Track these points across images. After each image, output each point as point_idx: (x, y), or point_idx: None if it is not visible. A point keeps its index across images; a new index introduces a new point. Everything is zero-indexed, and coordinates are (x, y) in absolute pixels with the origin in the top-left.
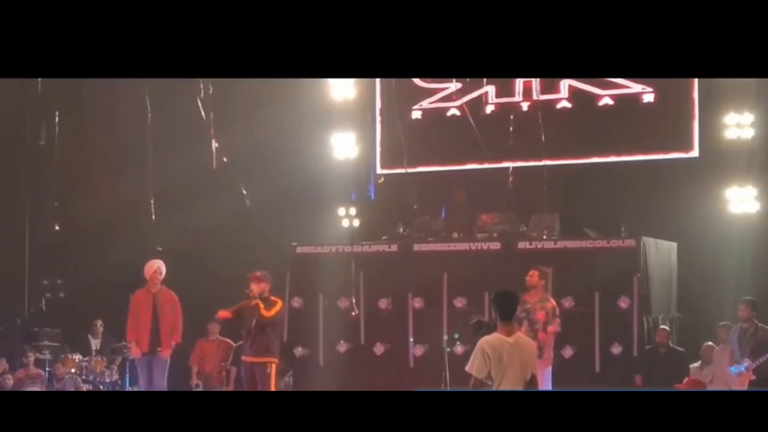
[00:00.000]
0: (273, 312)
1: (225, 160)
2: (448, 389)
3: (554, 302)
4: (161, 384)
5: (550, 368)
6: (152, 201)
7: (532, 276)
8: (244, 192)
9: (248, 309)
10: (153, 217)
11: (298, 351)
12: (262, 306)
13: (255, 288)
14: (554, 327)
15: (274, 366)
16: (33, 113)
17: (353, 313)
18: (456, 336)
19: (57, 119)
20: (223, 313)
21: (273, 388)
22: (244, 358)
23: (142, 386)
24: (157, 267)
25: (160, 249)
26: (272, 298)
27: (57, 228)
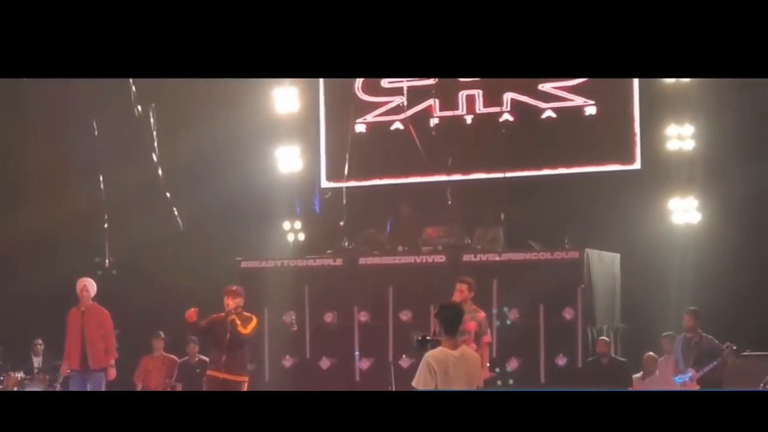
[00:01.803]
0: (250, 329)
1: (161, 174)
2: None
3: (484, 313)
4: None
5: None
6: (104, 214)
7: (462, 291)
8: (176, 213)
9: (220, 323)
10: (102, 227)
11: None
12: (239, 323)
13: (231, 303)
14: (488, 337)
15: (246, 385)
16: None
17: (293, 329)
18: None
19: None
20: (191, 314)
21: None
22: (213, 373)
23: None
24: (83, 285)
25: (107, 261)
26: (246, 314)
27: None
